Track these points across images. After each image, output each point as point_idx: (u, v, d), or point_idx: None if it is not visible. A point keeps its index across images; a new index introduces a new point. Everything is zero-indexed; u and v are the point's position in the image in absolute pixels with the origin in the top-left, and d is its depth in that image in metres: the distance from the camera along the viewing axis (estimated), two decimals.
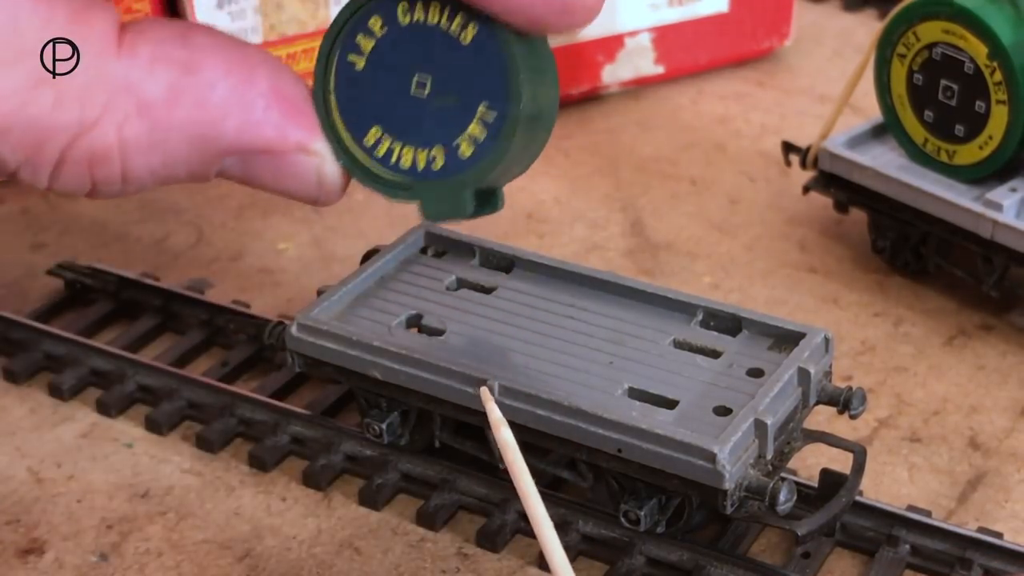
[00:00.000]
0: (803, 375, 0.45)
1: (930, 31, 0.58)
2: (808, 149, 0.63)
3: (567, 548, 0.47)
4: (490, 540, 0.48)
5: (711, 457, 0.41)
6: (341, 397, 0.54)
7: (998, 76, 0.56)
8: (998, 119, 0.57)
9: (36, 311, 0.60)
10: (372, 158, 0.44)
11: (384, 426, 0.48)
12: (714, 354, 0.46)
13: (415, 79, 0.43)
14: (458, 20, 0.42)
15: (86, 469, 0.52)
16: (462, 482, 0.49)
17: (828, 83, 0.80)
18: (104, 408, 0.55)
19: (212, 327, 0.58)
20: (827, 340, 0.46)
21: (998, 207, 0.56)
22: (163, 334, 0.59)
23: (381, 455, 0.50)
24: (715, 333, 0.47)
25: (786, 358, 0.45)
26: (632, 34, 0.77)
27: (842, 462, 0.48)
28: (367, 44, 0.43)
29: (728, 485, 0.42)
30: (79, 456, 0.53)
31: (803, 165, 0.64)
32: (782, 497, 0.42)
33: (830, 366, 0.47)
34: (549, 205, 0.69)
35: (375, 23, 0.43)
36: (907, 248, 0.61)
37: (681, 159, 0.73)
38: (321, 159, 0.40)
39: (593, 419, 0.43)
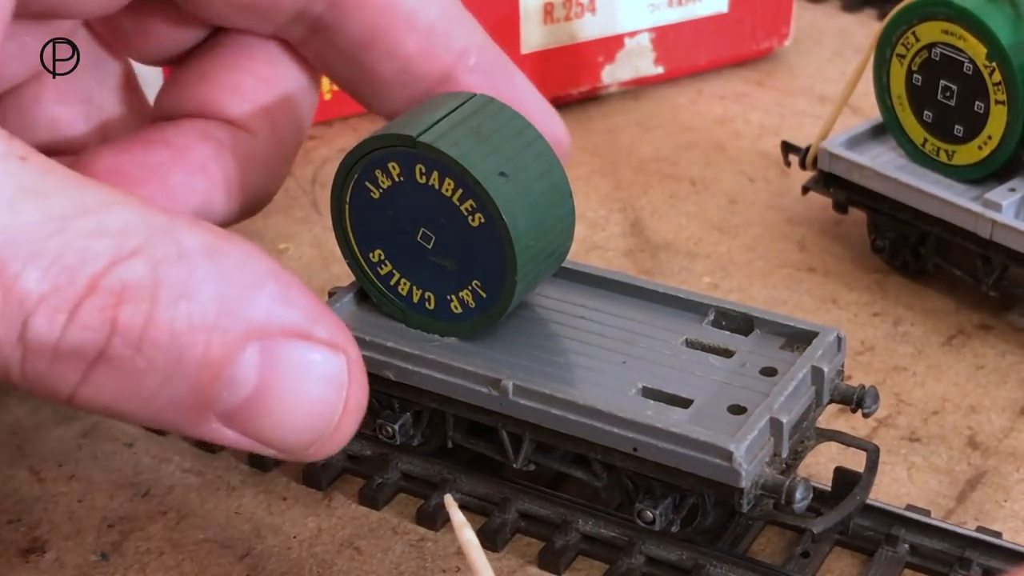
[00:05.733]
0: (817, 374, 0.45)
1: (929, 31, 0.58)
2: (808, 149, 0.63)
3: (567, 547, 0.47)
4: (490, 540, 0.48)
5: (727, 455, 0.41)
6: None
7: (997, 76, 0.56)
8: (997, 119, 0.57)
9: None
10: (375, 274, 0.45)
11: (397, 427, 0.48)
12: (727, 353, 0.46)
13: (421, 230, 0.44)
14: (469, 203, 0.42)
15: (87, 469, 0.52)
16: (462, 482, 0.49)
17: (828, 83, 0.80)
18: None
19: None
20: (839, 339, 0.46)
21: (997, 207, 0.56)
22: None
23: (381, 455, 0.50)
24: (727, 332, 0.47)
25: (799, 357, 0.45)
26: (632, 34, 0.77)
27: (844, 461, 0.49)
28: (384, 181, 0.44)
29: (744, 483, 0.42)
30: (80, 456, 0.53)
31: (803, 165, 0.64)
32: (798, 495, 0.42)
33: (842, 365, 0.47)
34: None
35: (394, 168, 0.43)
36: (906, 248, 0.61)
37: (681, 159, 0.73)
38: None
39: (608, 418, 0.43)
